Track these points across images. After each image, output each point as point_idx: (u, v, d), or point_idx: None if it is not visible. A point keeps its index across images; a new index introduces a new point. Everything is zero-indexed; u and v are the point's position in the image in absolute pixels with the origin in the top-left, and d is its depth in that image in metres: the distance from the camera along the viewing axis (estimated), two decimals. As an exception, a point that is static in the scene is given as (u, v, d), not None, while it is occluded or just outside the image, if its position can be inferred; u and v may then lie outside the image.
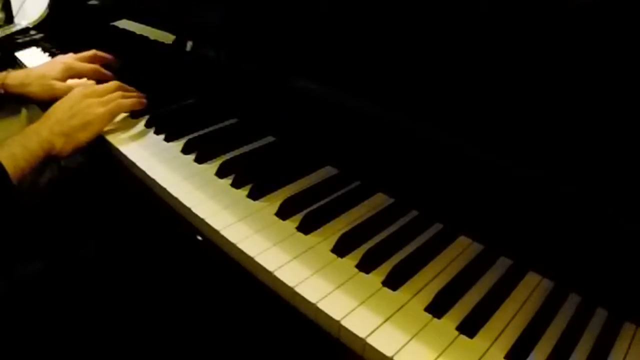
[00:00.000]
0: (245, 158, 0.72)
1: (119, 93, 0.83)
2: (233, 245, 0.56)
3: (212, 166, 0.70)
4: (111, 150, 0.77)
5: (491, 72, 0.57)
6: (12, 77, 0.95)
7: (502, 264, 0.57)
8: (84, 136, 0.76)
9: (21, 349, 0.69)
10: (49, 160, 0.74)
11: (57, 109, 0.79)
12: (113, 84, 0.86)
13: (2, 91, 0.93)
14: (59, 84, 0.92)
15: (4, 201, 0.68)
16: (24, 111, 1.46)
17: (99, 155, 0.81)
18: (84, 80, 0.97)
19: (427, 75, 0.62)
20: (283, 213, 0.61)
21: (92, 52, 1.02)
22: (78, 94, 0.81)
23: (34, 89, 0.92)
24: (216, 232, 0.58)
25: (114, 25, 1.19)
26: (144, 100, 0.85)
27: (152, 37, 1.06)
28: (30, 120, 1.44)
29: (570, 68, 0.52)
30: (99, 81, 0.93)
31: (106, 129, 0.79)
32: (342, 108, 0.71)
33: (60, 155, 0.75)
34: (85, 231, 0.88)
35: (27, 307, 0.73)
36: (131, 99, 0.84)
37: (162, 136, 0.78)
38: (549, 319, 0.51)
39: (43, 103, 0.95)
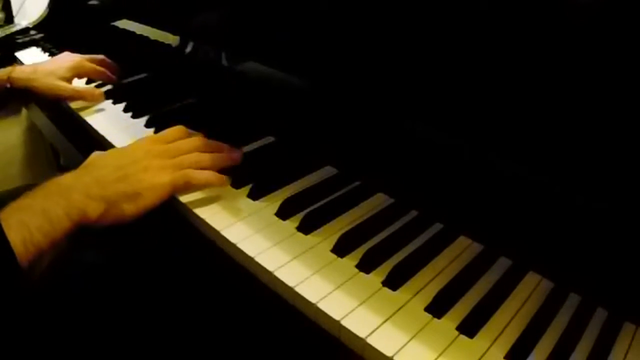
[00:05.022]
0: (245, 158, 0.72)
1: (195, 157, 0.62)
2: (233, 246, 0.56)
3: (212, 166, 0.70)
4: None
5: (492, 73, 0.57)
6: (19, 71, 0.94)
7: (502, 264, 0.57)
8: (128, 210, 0.57)
9: (22, 349, 0.69)
10: (82, 229, 0.55)
11: (101, 162, 0.59)
12: (195, 140, 0.65)
13: (8, 85, 0.92)
14: (63, 85, 0.91)
15: (9, 295, 0.50)
16: (24, 111, 1.46)
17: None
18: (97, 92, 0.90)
19: (428, 76, 0.62)
20: (283, 213, 0.61)
21: (102, 56, 1.01)
22: (142, 149, 0.61)
23: (40, 85, 0.91)
24: (216, 232, 0.58)
25: (114, 25, 1.19)
26: (223, 176, 0.63)
27: (152, 37, 1.06)
28: (30, 121, 1.45)
29: (571, 70, 0.52)
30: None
31: (106, 130, 0.79)
32: (342, 108, 0.71)
33: (95, 225, 0.56)
34: (85, 231, 0.88)
35: (27, 308, 0.73)
36: (207, 172, 0.62)
37: (162, 136, 0.78)
38: (549, 319, 0.51)
39: (46, 101, 0.94)
